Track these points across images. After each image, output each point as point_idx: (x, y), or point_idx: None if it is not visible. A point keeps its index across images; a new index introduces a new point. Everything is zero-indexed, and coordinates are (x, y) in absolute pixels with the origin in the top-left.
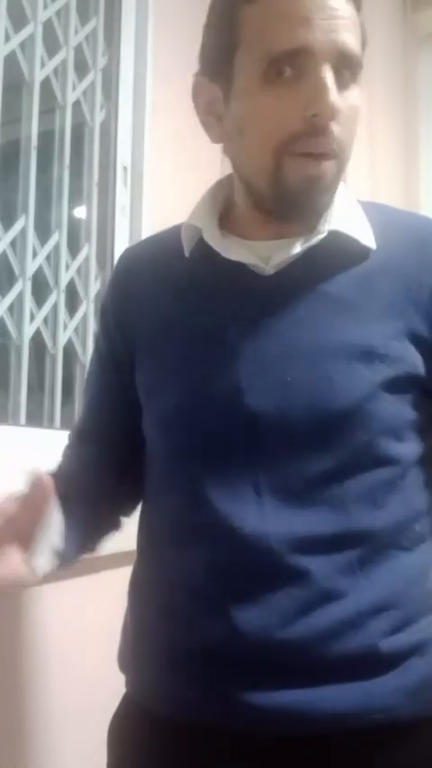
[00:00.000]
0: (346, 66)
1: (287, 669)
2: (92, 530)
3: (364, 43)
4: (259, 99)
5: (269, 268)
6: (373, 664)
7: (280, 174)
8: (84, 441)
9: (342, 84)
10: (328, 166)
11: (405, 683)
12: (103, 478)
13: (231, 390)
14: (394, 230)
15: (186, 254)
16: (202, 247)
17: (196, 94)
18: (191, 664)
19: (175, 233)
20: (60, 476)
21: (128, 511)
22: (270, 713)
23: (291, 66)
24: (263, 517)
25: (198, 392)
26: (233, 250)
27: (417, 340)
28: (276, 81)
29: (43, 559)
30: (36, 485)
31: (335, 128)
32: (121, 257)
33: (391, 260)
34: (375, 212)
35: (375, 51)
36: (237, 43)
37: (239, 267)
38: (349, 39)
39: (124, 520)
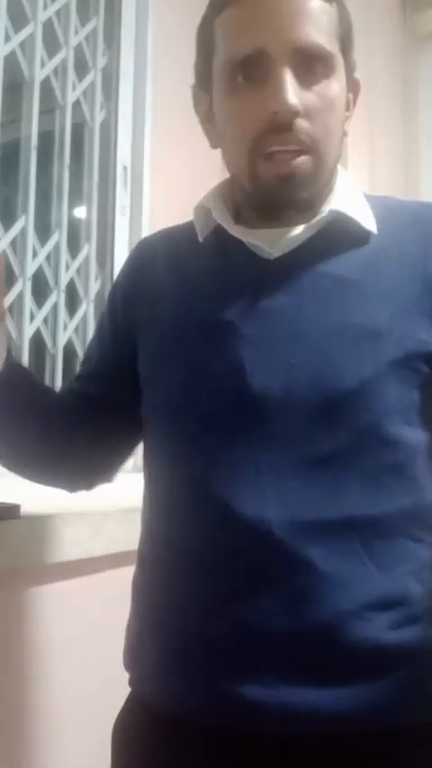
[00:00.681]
0: (315, 61)
1: (289, 662)
2: (26, 429)
3: (344, 33)
4: (229, 104)
5: (274, 251)
6: (378, 660)
7: (255, 173)
8: (63, 392)
9: (312, 80)
10: (300, 162)
11: (409, 684)
12: (64, 418)
13: (234, 371)
14: (397, 215)
15: (200, 238)
16: (215, 236)
17: (195, 104)
18: (193, 660)
19: (190, 225)
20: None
21: (75, 469)
22: (272, 711)
23: (252, 70)
24: (264, 501)
25: (201, 373)
26: (241, 231)
27: (424, 313)
28: (242, 86)
29: None
30: None
31: (301, 123)
32: (139, 243)
33: (396, 242)
34: (378, 201)
35: (375, 51)
36: (212, 52)
37: (245, 252)
38: (311, 34)
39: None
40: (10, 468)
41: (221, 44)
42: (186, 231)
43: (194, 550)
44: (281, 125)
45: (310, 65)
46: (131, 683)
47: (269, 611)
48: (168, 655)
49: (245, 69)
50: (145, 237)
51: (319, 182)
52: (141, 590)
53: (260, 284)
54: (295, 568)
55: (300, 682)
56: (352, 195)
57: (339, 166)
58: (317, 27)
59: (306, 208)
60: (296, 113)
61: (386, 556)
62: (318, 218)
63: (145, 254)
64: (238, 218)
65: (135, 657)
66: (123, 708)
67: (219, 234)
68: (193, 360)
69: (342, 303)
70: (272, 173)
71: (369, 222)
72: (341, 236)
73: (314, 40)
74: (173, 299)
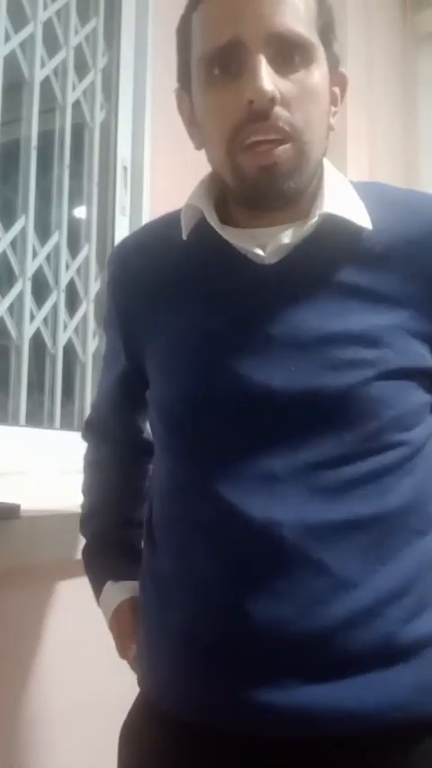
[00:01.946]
0: (293, 50)
1: (303, 665)
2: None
3: (325, 25)
4: (208, 98)
5: (268, 257)
6: (391, 654)
7: (237, 167)
8: (100, 441)
9: (290, 68)
10: (281, 152)
11: (423, 677)
12: (127, 480)
13: (234, 378)
14: (391, 208)
15: (184, 236)
16: (199, 233)
17: (179, 107)
18: (203, 662)
19: (166, 221)
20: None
21: None
22: (285, 713)
23: (229, 62)
24: (273, 505)
25: (201, 381)
26: (232, 234)
27: (421, 335)
28: (219, 78)
29: None
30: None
31: (280, 112)
32: (113, 255)
33: (393, 241)
34: (371, 191)
35: (375, 51)
36: (189, 51)
37: (237, 256)
38: (287, 21)
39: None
40: None
41: (198, 39)
42: (166, 229)
43: (204, 557)
44: (258, 114)
45: (288, 53)
46: (140, 685)
47: (282, 614)
48: (179, 659)
49: (221, 61)
50: (117, 248)
51: (304, 172)
52: (150, 593)
53: (255, 289)
54: (307, 571)
55: (315, 682)
56: (342, 193)
57: (326, 161)
58: (293, 15)
59: (293, 199)
60: (272, 100)
61: (394, 552)
62: (309, 223)
63: (125, 269)
64: (224, 215)
65: (144, 660)
66: (132, 710)
67: (205, 233)
68: (192, 368)
69: (340, 307)
70: (254, 165)
71: (363, 218)
72: (335, 235)
73: (290, 27)
74: (166, 307)
